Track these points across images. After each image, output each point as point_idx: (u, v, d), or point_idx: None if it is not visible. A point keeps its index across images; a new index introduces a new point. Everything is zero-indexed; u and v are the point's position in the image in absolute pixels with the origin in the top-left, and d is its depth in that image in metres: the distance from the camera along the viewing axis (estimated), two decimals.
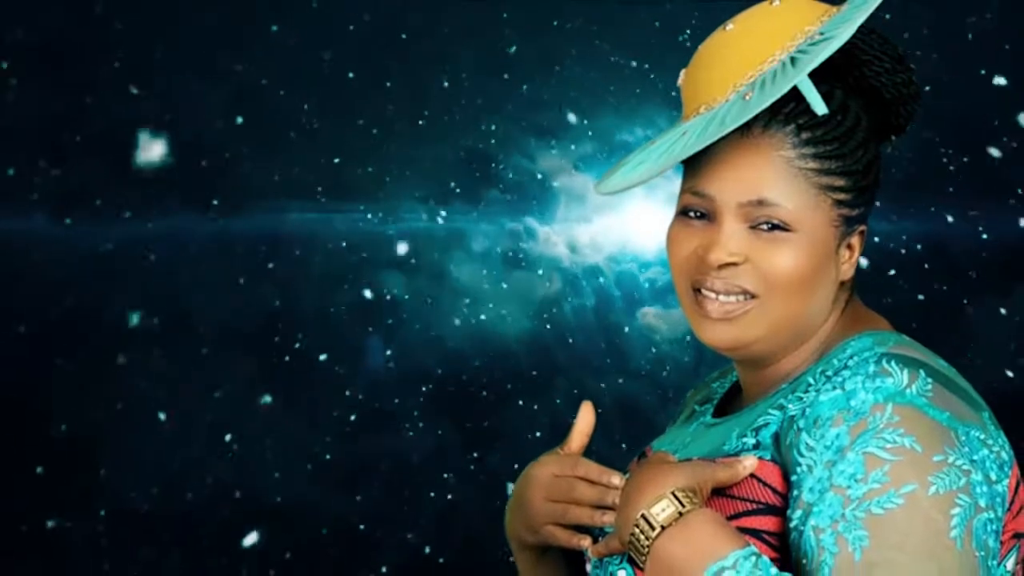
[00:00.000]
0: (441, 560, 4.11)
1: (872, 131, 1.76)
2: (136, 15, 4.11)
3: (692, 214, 1.76)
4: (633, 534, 1.64)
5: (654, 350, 4.12)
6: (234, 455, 4.11)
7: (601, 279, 4.16)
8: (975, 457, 1.62)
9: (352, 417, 4.12)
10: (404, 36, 4.13)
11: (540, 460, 1.86)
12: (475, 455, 4.12)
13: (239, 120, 4.12)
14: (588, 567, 1.81)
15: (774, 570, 1.57)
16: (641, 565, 1.63)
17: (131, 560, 4.11)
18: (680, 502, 1.63)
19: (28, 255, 4.11)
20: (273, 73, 4.13)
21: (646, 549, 1.62)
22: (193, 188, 4.13)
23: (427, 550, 4.11)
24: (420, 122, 4.13)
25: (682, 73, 1.79)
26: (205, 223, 4.12)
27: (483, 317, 4.13)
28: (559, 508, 1.81)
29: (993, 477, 1.63)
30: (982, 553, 1.59)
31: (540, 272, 4.14)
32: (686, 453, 1.80)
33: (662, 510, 1.62)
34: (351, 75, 4.13)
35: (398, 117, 4.13)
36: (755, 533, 1.66)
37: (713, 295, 1.73)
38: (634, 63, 4.10)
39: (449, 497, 4.11)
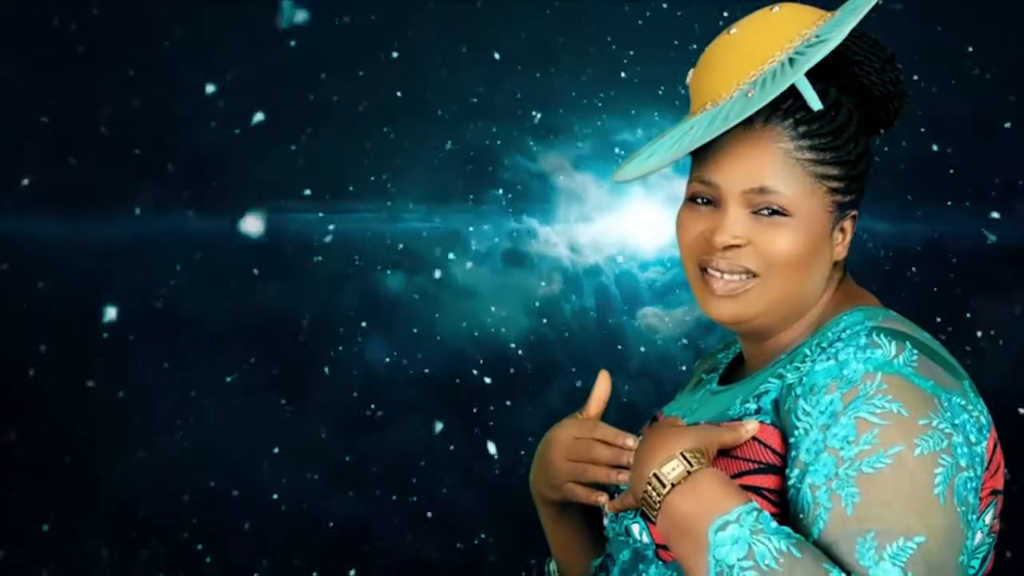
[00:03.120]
0: (439, 555, 4.11)
1: (863, 125, 1.89)
2: (139, 14, 4.10)
3: (699, 200, 1.88)
4: (646, 491, 1.75)
5: (654, 350, 4.10)
6: (233, 451, 4.10)
7: (601, 279, 4.19)
8: (956, 421, 1.73)
9: (351, 414, 4.11)
10: (404, 33, 4.12)
11: (561, 424, 1.99)
12: (474, 454, 4.11)
13: (241, 119, 4.12)
14: (605, 521, 1.93)
15: (774, 524, 1.68)
16: (653, 519, 1.75)
17: (128, 556, 4.11)
18: (689, 462, 1.74)
19: (28, 251, 4.10)
20: (275, 73, 4.11)
21: (658, 505, 1.74)
22: (194, 186, 4.12)
23: (425, 545, 4.11)
24: (421, 120, 4.10)
25: (690, 73, 1.92)
26: (206, 221, 4.12)
27: (483, 316, 4.11)
28: (578, 467, 1.94)
29: (973, 439, 1.74)
30: (963, 508, 1.70)
31: (540, 272, 4.13)
32: (694, 418, 1.92)
33: (672, 469, 1.74)
34: (352, 73, 4.12)
35: (398, 114, 4.11)
36: (757, 490, 1.77)
37: (718, 274, 1.85)
38: (631, 61, 4.13)
39: (447, 493, 4.12)
